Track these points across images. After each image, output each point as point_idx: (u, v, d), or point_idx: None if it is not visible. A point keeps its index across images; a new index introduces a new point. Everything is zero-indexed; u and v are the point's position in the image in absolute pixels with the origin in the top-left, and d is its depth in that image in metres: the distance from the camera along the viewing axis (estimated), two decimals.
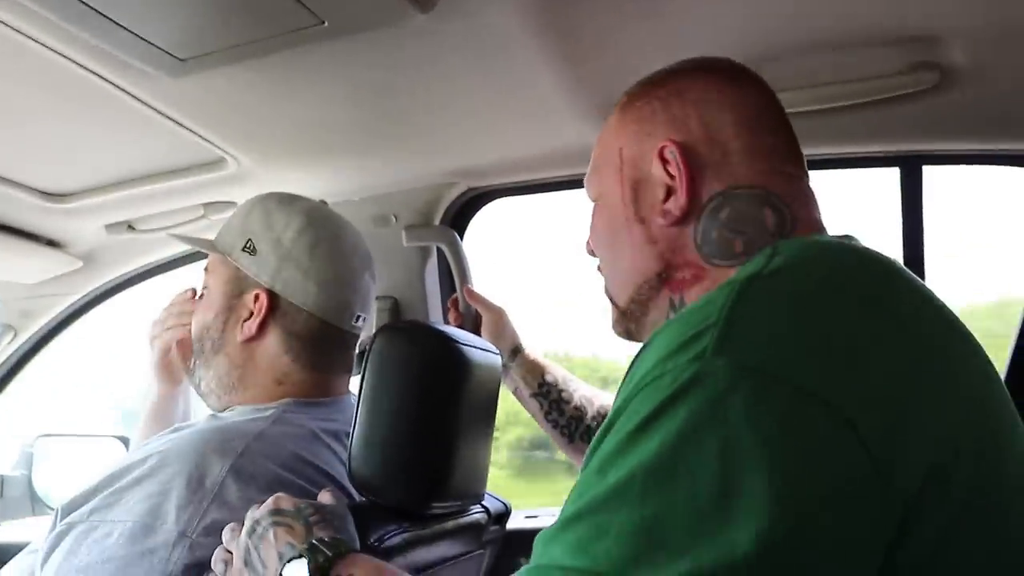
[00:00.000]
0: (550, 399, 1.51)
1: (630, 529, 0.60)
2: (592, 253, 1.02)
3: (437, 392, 1.09)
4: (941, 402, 0.66)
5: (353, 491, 1.11)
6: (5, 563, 1.21)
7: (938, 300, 0.77)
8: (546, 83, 1.30)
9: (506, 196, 1.81)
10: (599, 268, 1.01)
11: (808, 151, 1.52)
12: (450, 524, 1.20)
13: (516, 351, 1.55)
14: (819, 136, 1.50)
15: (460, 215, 1.79)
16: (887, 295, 0.73)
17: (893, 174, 1.64)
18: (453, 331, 1.15)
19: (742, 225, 0.86)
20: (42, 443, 2.52)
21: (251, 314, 1.24)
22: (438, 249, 1.77)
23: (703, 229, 0.88)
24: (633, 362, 0.73)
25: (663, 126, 0.91)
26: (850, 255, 0.77)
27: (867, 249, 0.80)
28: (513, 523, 1.50)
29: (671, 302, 0.90)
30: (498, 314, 1.59)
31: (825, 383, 0.62)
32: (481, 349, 1.18)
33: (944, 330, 0.74)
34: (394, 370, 1.08)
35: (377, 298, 1.72)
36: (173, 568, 1.00)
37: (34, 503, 2.47)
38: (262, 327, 1.24)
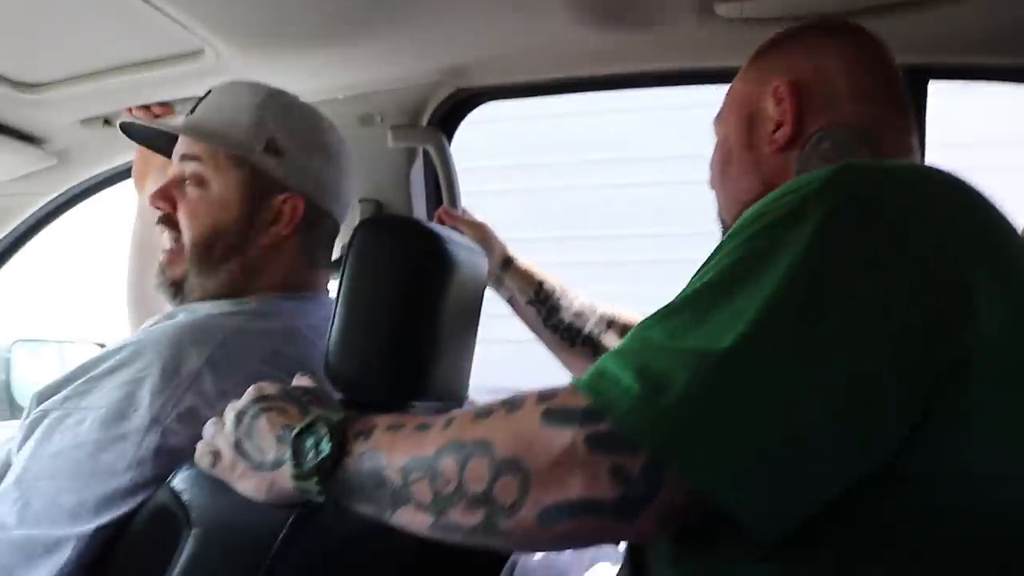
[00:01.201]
0: (548, 305, 1.52)
1: (727, 316, 0.66)
2: (712, 187, 1.16)
3: (419, 286, 1.05)
4: (1007, 306, 0.70)
5: (330, 389, 1.09)
6: None
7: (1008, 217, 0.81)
8: None
9: (496, 99, 1.75)
10: (716, 196, 1.15)
11: None
12: None
13: (507, 261, 1.55)
14: None
15: (448, 117, 1.74)
16: (972, 195, 0.78)
17: None
18: (437, 227, 1.12)
19: (838, 157, 0.95)
20: (20, 347, 2.50)
21: (277, 218, 1.20)
22: (424, 152, 1.72)
23: (804, 158, 0.99)
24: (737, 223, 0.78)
25: (780, 70, 1.05)
26: (939, 168, 0.81)
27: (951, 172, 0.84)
28: None
29: None
30: (480, 228, 1.58)
31: (919, 233, 0.69)
32: (466, 247, 1.15)
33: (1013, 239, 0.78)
34: (375, 263, 1.05)
35: (360, 200, 1.69)
36: (144, 453, 1.00)
37: (12, 407, 2.46)
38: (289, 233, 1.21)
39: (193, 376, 1.04)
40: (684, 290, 0.73)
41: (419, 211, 1.73)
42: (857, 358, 0.65)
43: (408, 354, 1.05)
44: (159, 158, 1.38)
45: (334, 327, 1.05)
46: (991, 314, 0.67)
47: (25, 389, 2.47)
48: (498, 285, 1.55)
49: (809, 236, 0.68)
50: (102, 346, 2.39)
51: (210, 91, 1.27)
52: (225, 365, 1.06)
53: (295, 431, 0.85)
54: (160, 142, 1.30)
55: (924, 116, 1.57)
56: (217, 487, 0.93)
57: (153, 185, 1.47)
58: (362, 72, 1.62)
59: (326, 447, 0.82)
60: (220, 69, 1.51)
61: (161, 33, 1.39)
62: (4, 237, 2.18)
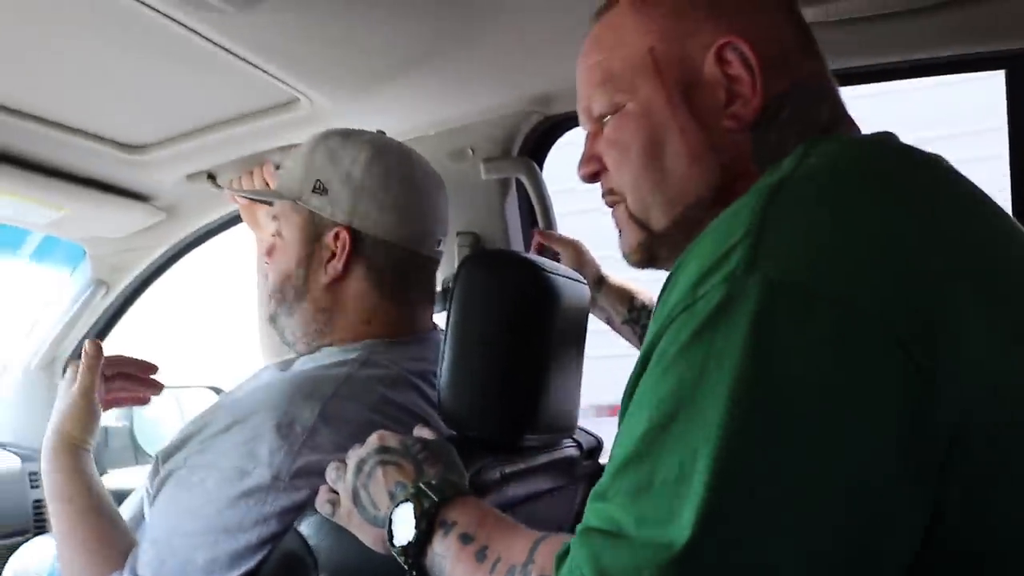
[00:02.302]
0: (641, 323, 1.46)
1: (673, 478, 0.57)
2: (593, 177, 0.90)
3: (524, 320, 1.06)
4: (996, 318, 0.61)
5: (443, 428, 1.10)
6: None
7: (991, 202, 0.72)
8: None
9: None
10: (609, 192, 0.89)
11: (903, 56, 1.43)
12: (543, 458, 1.18)
13: (600, 280, 1.51)
14: (915, 39, 1.39)
15: (539, 145, 1.74)
16: (934, 198, 0.68)
17: (997, 78, 1.54)
18: (538, 259, 1.13)
19: (799, 124, 0.79)
20: None
21: (333, 254, 1.21)
22: (517, 181, 1.72)
23: (763, 132, 0.79)
24: (664, 287, 0.69)
25: (710, 21, 0.81)
26: (890, 154, 0.72)
27: (908, 147, 0.74)
28: (605, 459, 1.47)
29: None
30: (574, 247, 1.55)
31: (870, 297, 0.58)
32: (567, 278, 1.15)
33: (998, 234, 0.69)
34: (480, 300, 1.06)
35: (458, 234, 1.70)
36: (269, 510, 1.01)
37: (137, 453, 2.56)
38: (346, 266, 1.21)
39: (308, 431, 1.05)
40: (629, 417, 0.64)
41: (516, 241, 1.73)
42: (839, 500, 0.56)
43: (517, 389, 1.06)
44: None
45: (444, 365, 1.07)
46: (981, 353, 0.59)
47: (147, 434, 2.57)
48: (593, 306, 1.45)
49: (741, 349, 0.57)
50: (216, 390, 2.48)
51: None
52: (338, 417, 1.08)
53: (392, 508, 0.87)
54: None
55: None
56: (343, 532, 0.95)
57: (266, 220, 1.54)
58: (451, 107, 1.64)
59: (411, 533, 0.84)
60: (314, 117, 1.56)
61: (257, 87, 1.44)
62: (122, 290, 2.28)
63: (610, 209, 0.90)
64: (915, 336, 0.57)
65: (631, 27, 0.84)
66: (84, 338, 2.34)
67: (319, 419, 1.06)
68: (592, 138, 0.89)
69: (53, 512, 1.18)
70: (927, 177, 0.71)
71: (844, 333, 0.57)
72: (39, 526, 2.12)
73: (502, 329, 1.06)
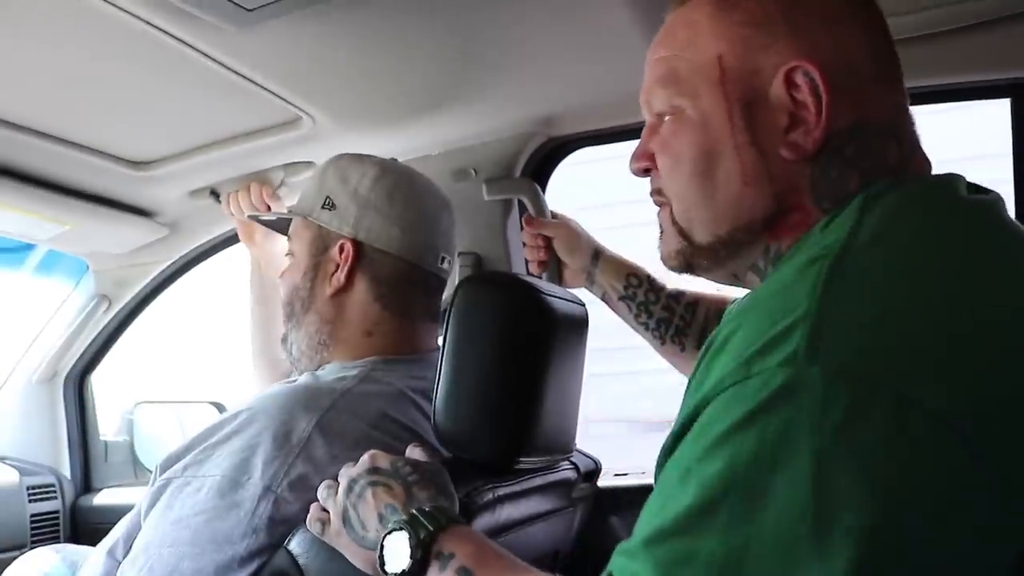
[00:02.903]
0: (637, 301, 1.40)
1: (720, 560, 0.55)
2: (644, 173, 0.87)
3: (522, 342, 1.06)
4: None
5: (439, 447, 1.10)
6: (111, 523, 1.25)
7: None
8: (627, 20, 1.24)
9: (588, 145, 1.75)
10: (657, 192, 0.86)
11: (908, 83, 1.43)
12: (538, 480, 1.17)
13: (597, 254, 1.45)
14: (921, 66, 1.39)
15: (541, 166, 1.74)
16: (1001, 261, 0.65)
17: (1003, 106, 1.53)
18: (537, 282, 1.13)
19: (863, 163, 0.75)
20: (141, 410, 2.60)
21: (337, 267, 1.25)
22: (520, 202, 1.72)
23: (823, 168, 0.76)
24: (708, 347, 0.67)
25: (786, 39, 0.76)
26: (954, 210, 0.70)
27: (973, 198, 0.72)
28: (603, 481, 1.47)
29: (767, 250, 0.80)
30: (565, 225, 1.49)
31: (935, 390, 0.55)
32: (566, 300, 1.15)
33: None
34: (478, 321, 1.06)
35: (460, 254, 1.70)
36: (258, 522, 1.02)
37: (136, 467, 2.55)
38: (350, 277, 1.25)
39: (303, 442, 1.06)
40: (668, 485, 0.62)
41: (517, 262, 1.73)
42: None
43: (513, 413, 1.05)
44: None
45: (439, 386, 1.06)
46: None
47: (148, 449, 2.56)
48: (590, 282, 1.44)
49: (801, 444, 0.55)
50: (217, 406, 2.48)
51: None
52: (334, 429, 1.08)
53: (385, 534, 0.87)
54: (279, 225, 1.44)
55: None
56: (333, 551, 0.95)
57: (263, 239, 1.68)
58: (454, 130, 1.64)
59: (406, 562, 0.84)
60: (318, 136, 1.56)
61: (260, 105, 1.44)
62: (124, 305, 2.29)
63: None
64: (984, 436, 0.55)
65: (705, 28, 0.80)
66: (85, 352, 2.35)
67: (315, 430, 1.07)
68: (649, 131, 0.86)
69: None
70: (992, 232, 0.69)
71: (910, 433, 0.54)
72: (36, 540, 2.11)
73: (498, 350, 1.05)
